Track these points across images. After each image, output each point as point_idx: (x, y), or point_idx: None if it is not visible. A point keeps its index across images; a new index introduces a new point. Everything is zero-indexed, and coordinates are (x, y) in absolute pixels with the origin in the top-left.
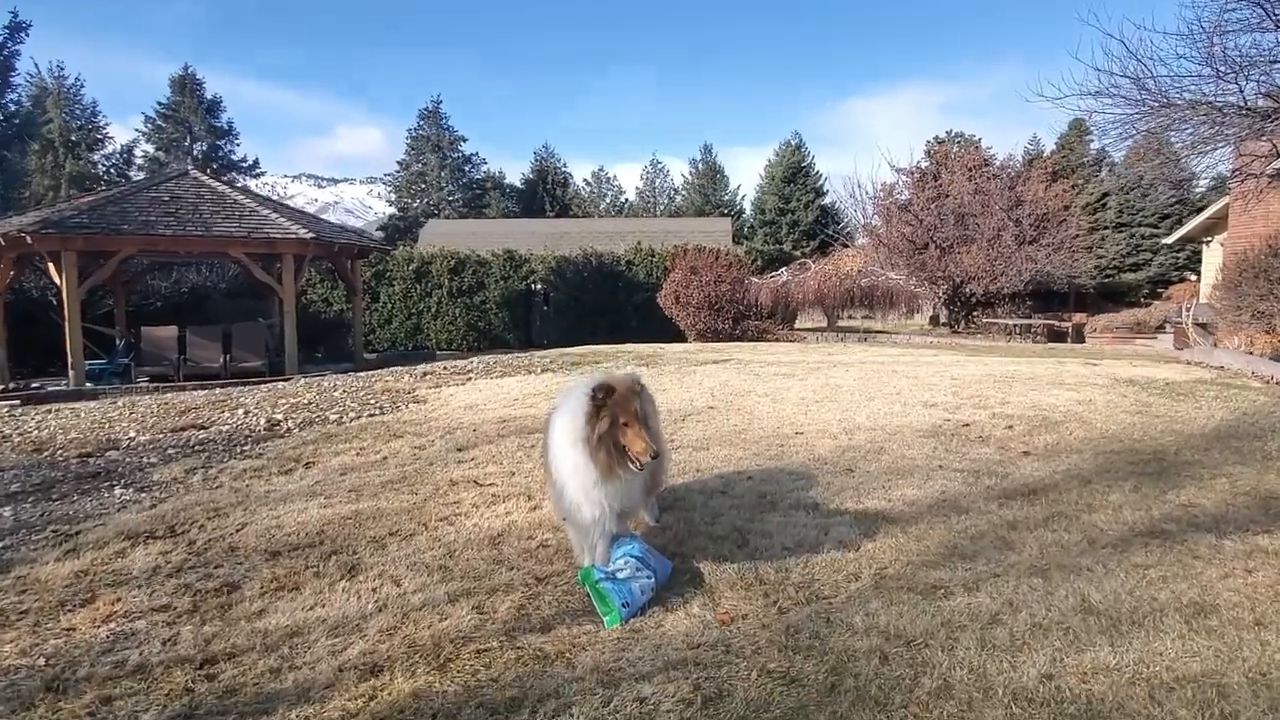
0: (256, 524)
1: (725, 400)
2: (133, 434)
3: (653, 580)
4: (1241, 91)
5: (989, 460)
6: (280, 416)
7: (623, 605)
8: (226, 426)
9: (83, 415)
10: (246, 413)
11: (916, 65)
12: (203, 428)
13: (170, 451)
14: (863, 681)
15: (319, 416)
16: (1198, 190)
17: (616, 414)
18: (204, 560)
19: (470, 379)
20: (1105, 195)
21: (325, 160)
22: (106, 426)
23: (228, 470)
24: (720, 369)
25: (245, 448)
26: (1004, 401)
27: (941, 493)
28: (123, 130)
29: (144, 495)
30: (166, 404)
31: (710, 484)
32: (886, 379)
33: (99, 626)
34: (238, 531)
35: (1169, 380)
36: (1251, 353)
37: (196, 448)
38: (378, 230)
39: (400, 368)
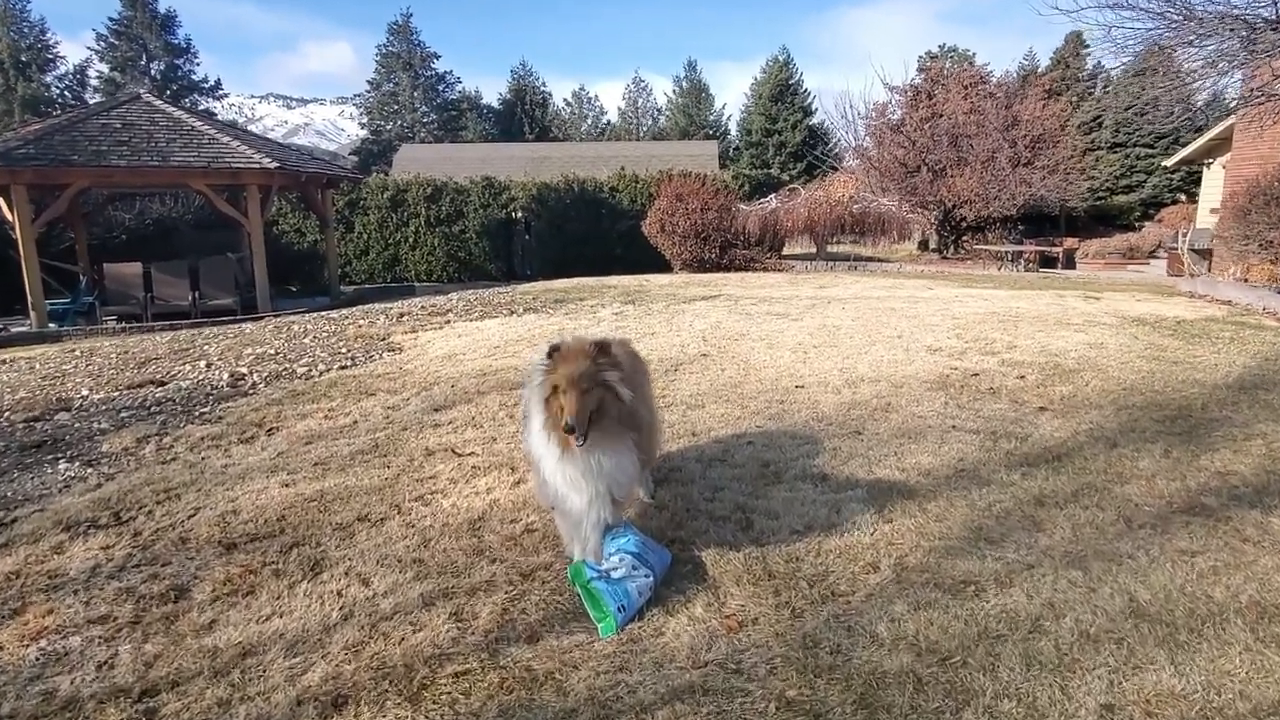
0: (211, 508)
1: (718, 346)
2: (86, 391)
3: (651, 579)
4: (1275, 4)
5: (1004, 418)
6: (245, 370)
7: (618, 610)
8: (187, 382)
9: (37, 367)
10: (209, 365)
11: None
12: (161, 384)
13: (124, 414)
14: (897, 717)
15: (286, 370)
16: (1196, 107)
17: (556, 379)
18: (150, 556)
19: (449, 321)
20: (1101, 114)
21: (294, 79)
22: (59, 382)
23: (184, 438)
24: (710, 307)
25: (205, 409)
26: (1011, 345)
27: (959, 460)
28: (76, 48)
29: (90, 471)
30: (126, 353)
31: (708, 450)
32: (885, 319)
33: (28, 645)
34: (190, 518)
35: (1179, 319)
36: (1245, 280)
37: (153, 409)
38: (351, 154)
39: (377, 305)
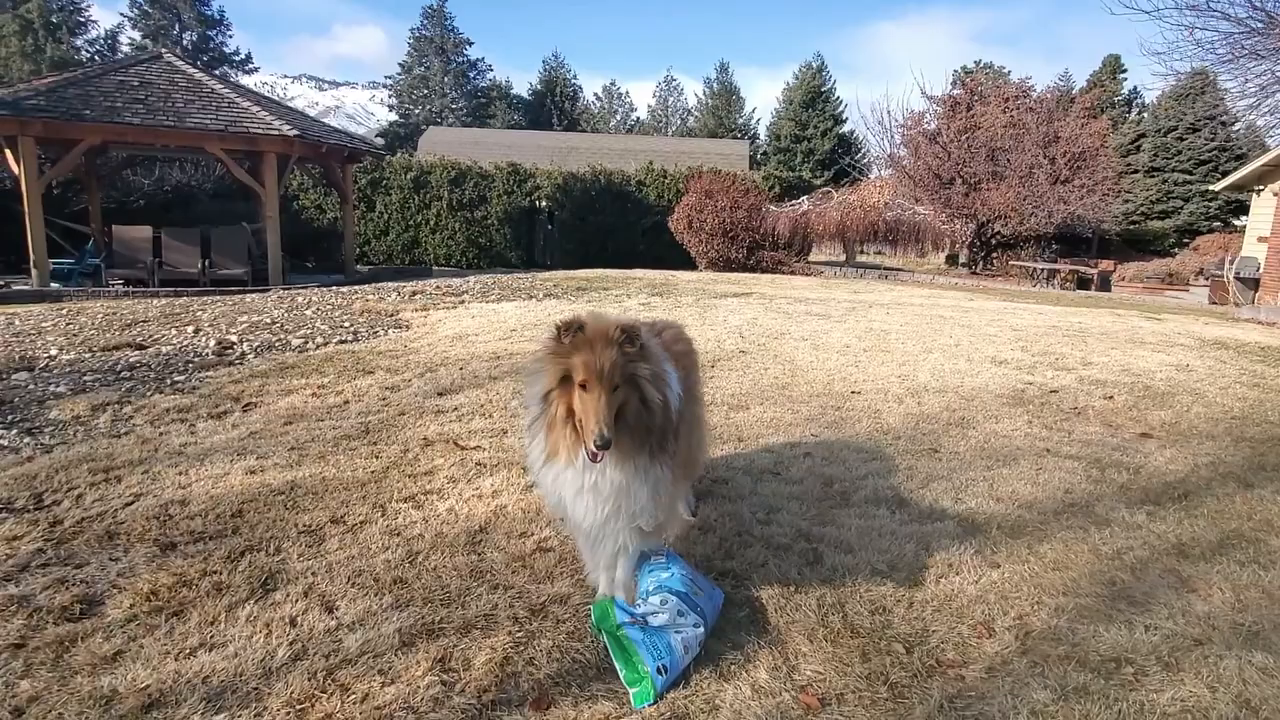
0: (156, 495)
1: (758, 343)
2: (55, 351)
3: (701, 629)
4: None
5: (1104, 443)
6: (234, 338)
7: (657, 670)
8: (169, 347)
9: (16, 324)
10: (198, 330)
11: None
12: (140, 347)
13: (89, 378)
14: None
15: (280, 340)
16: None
17: (574, 365)
18: (65, 554)
19: (463, 302)
20: (1140, 137)
21: (325, 61)
22: (31, 340)
23: (146, 408)
24: (744, 304)
25: (180, 378)
26: (1086, 362)
27: (1065, 491)
28: (108, 14)
29: (28, 440)
30: (113, 315)
31: (757, 460)
32: (937, 326)
33: None
34: (126, 506)
35: (1263, 345)
36: None
37: (123, 374)
38: (378, 137)
39: (390, 284)
